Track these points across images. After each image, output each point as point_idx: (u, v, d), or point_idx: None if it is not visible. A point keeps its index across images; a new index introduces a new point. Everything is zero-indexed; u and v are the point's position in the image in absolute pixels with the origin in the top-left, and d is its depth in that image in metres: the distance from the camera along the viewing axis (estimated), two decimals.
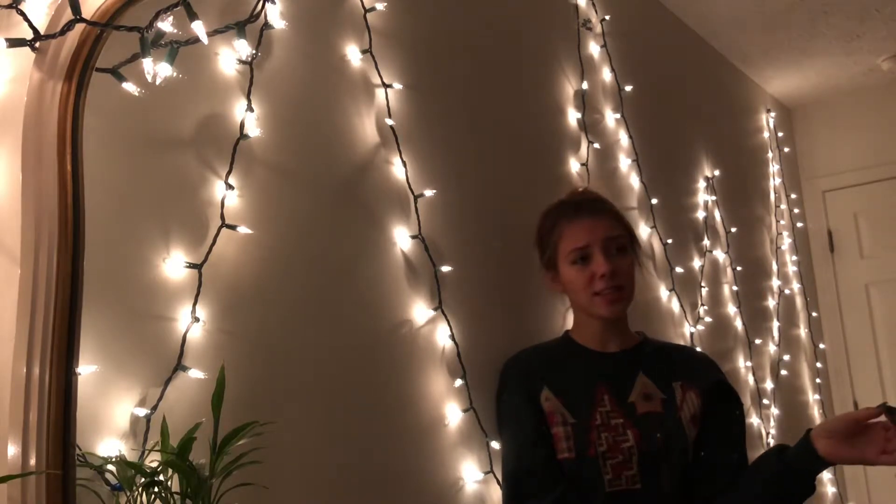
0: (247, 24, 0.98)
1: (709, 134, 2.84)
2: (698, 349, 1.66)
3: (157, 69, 0.84)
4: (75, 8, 0.83)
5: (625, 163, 2.19)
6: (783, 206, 3.43)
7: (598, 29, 2.19)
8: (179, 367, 1.00)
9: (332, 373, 1.22)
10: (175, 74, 0.86)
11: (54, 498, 0.78)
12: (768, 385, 2.84)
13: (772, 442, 2.70)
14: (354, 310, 1.27)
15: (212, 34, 0.94)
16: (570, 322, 1.67)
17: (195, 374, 1.00)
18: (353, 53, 1.37)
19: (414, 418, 1.34)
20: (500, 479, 1.46)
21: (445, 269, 1.46)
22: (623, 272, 1.43)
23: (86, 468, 0.86)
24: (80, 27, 0.84)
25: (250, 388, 1.08)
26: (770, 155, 3.42)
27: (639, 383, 1.44)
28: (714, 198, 2.74)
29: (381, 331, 1.32)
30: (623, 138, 2.21)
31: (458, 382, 1.43)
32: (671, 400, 1.43)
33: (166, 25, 0.84)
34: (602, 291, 1.42)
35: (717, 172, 2.79)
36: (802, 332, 3.35)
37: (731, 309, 2.70)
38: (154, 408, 0.95)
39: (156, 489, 0.87)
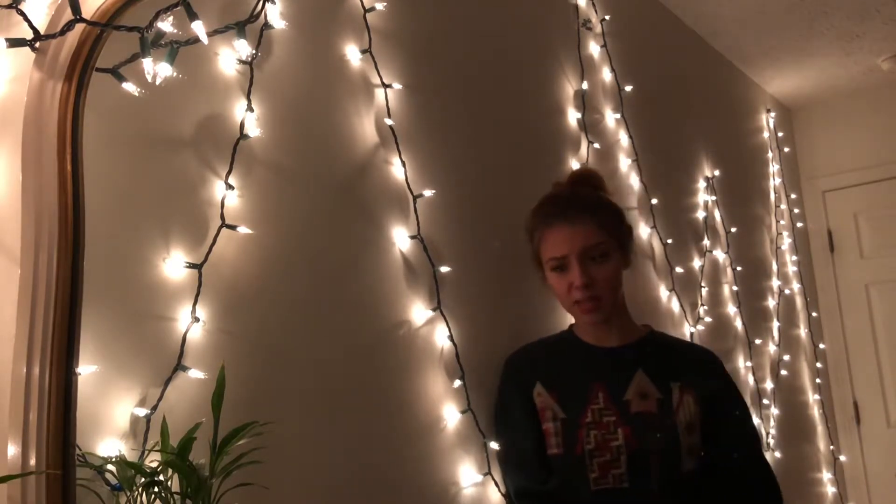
0: (247, 24, 0.98)
1: (709, 134, 2.84)
2: (706, 348, 1.65)
3: (157, 69, 0.84)
4: (75, 8, 0.83)
5: (625, 163, 2.19)
6: (783, 206, 3.43)
7: (598, 29, 2.19)
8: (179, 367, 1.00)
9: (332, 373, 1.22)
10: (175, 74, 0.86)
11: (54, 498, 0.78)
12: (768, 385, 2.84)
13: (772, 442, 2.70)
14: (354, 310, 1.28)
15: (212, 34, 0.94)
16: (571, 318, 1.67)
17: (195, 374, 1.00)
18: (352, 53, 1.37)
19: (412, 419, 1.34)
20: (498, 479, 1.46)
21: (444, 269, 1.46)
22: (601, 280, 1.41)
23: (86, 468, 0.86)
24: (80, 27, 0.84)
25: (250, 388, 1.08)
26: (770, 155, 3.42)
27: (636, 381, 1.43)
28: (714, 198, 2.74)
29: (380, 331, 1.32)
30: (623, 138, 2.21)
31: (457, 383, 1.43)
32: (667, 400, 1.42)
33: (166, 25, 0.84)
34: (579, 301, 1.42)
35: (717, 172, 2.79)
36: (802, 332, 3.35)
37: (731, 309, 2.70)
38: (154, 408, 0.95)
39: (156, 489, 0.87)
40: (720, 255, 2.70)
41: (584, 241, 1.40)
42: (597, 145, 2.06)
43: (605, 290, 1.42)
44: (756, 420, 2.65)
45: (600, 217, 1.44)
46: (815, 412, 3.28)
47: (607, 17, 2.22)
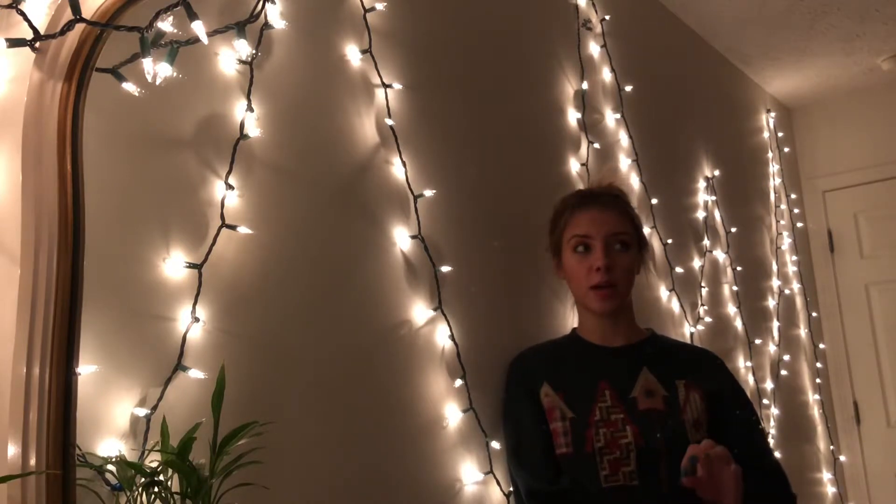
0: (247, 24, 0.98)
1: (709, 134, 2.84)
2: (707, 349, 1.66)
3: (157, 69, 0.84)
4: (75, 8, 0.83)
5: (625, 163, 2.19)
6: (783, 206, 3.43)
7: (598, 29, 2.19)
8: (179, 367, 1.00)
9: (332, 373, 1.21)
10: (175, 74, 0.86)
11: (54, 498, 0.78)
12: (768, 385, 2.84)
13: (772, 442, 2.70)
14: (354, 310, 1.27)
15: (212, 34, 0.94)
16: (575, 320, 1.67)
17: (195, 374, 1.00)
18: (352, 53, 1.37)
19: (414, 418, 1.34)
20: (500, 478, 1.46)
21: (445, 269, 1.46)
22: (620, 268, 1.45)
23: (86, 468, 0.86)
24: (80, 27, 0.84)
25: (250, 388, 1.08)
26: (770, 155, 3.42)
27: (642, 379, 1.44)
28: (714, 198, 2.74)
29: (381, 331, 1.32)
30: (623, 138, 2.21)
31: (458, 382, 1.43)
32: (674, 398, 1.43)
33: (166, 25, 0.84)
34: (596, 286, 1.43)
35: (717, 172, 2.79)
36: (802, 332, 3.35)
37: (731, 309, 2.70)
38: (154, 408, 0.95)
39: (156, 489, 0.87)
40: (720, 255, 2.70)
41: (611, 226, 1.47)
42: (597, 145, 2.05)
43: (622, 279, 1.46)
44: None
45: (628, 211, 1.52)
46: (815, 412, 3.28)
47: (607, 17, 2.22)
